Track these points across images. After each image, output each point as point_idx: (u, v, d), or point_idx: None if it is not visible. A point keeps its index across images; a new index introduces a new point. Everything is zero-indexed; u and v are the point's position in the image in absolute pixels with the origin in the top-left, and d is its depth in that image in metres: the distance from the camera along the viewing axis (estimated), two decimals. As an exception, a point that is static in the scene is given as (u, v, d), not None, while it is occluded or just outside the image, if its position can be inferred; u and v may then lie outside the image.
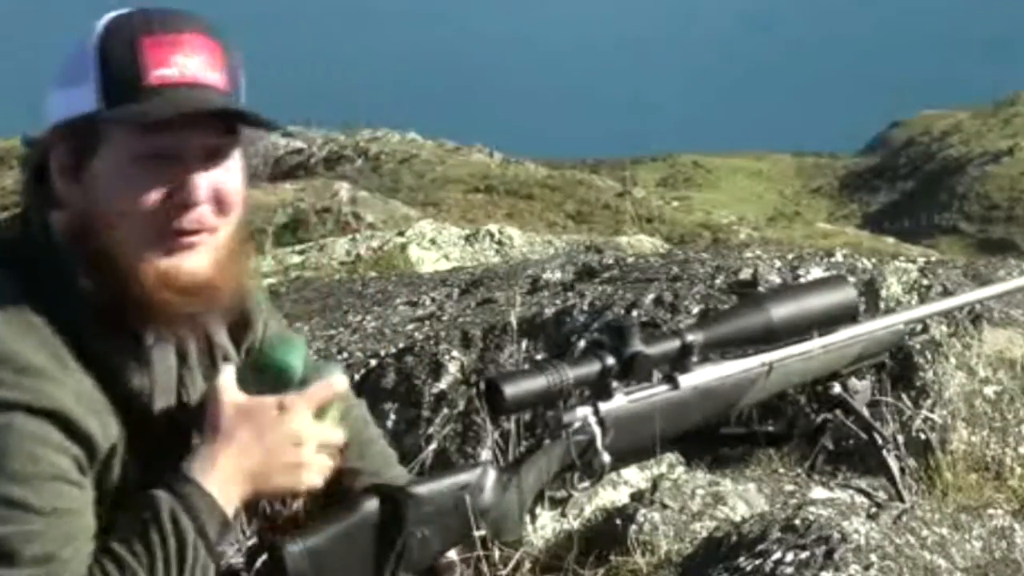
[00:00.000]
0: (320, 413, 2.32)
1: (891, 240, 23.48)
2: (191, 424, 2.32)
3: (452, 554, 2.56)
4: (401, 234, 7.35)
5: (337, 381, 2.33)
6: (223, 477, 2.19)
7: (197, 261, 2.18)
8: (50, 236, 2.17)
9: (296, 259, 7.06)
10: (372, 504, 2.43)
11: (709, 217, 24.15)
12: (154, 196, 2.13)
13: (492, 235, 7.22)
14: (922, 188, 41.88)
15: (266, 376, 2.30)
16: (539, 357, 3.66)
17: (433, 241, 7.15)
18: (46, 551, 2.00)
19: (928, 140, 46.12)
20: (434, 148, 26.27)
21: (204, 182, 2.15)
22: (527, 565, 2.67)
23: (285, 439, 2.24)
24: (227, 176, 2.19)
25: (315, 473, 2.27)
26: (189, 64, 2.14)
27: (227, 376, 2.27)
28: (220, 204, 2.19)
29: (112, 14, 2.14)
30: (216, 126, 2.16)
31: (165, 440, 2.26)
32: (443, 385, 3.68)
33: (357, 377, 3.81)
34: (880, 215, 39.88)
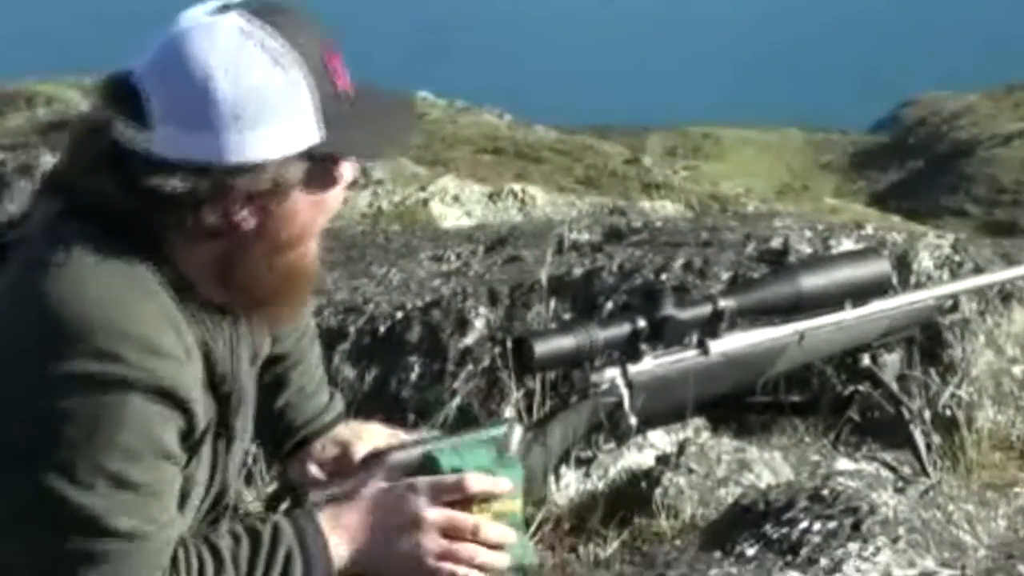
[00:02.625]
0: (467, 505, 2.31)
1: (897, 219, 23.45)
2: (242, 411, 2.34)
3: None
4: (423, 189, 7.33)
5: (474, 481, 2.28)
6: (343, 535, 2.19)
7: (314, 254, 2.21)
8: (166, 253, 2.13)
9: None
10: (396, 459, 2.42)
11: (717, 188, 24.13)
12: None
13: (515, 194, 7.20)
14: (931, 168, 41.81)
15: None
16: (566, 317, 3.65)
17: (456, 198, 7.13)
18: (135, 527, 2.00)
19: (939, 121, 46.02)
20: (445, 108, 26.24)
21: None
22: (550, 524, 2.65)
23: (403, 515, 2.21)
24: None
25: (431, 552, 2.26)
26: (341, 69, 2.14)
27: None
28: None
29: (235, 32, 2.03)
30: None
31: (235, 433, 2.29)
32: (469, 341, 3.67)
33: (383, 329, 3.80)
34: (888, 193, 39.83)
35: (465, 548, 2.26)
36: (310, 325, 2.67)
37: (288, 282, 2.17)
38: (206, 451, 2.20)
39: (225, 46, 2.02)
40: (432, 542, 2.24)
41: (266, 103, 2.02)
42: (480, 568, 2.28)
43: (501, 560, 2.31)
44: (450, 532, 2.26)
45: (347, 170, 2.15)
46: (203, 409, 2.09)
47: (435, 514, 2.25)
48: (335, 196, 2.15)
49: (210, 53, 2.01)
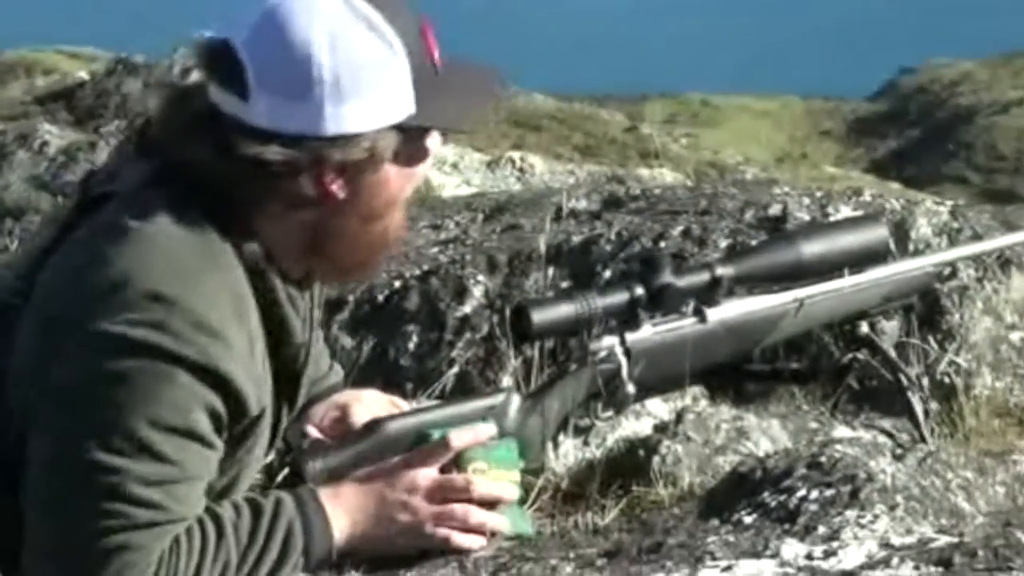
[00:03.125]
0: (458, 463, 2.32)
1: (896, 187, 23.41)
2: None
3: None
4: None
5: (456, 436, 2.34)
6: (344, 510, 2.23)
7: None
8: (252, 226, 2.13)
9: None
10: (393, 427, 2.43)
11: (716, 156, 24.08)
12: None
13: (514, 162, 7.19)
14: (930, 136, 41.74)
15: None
16: (564, 285, 3.65)
17: (454, 166, 7.12)
18: (159, 499, 2.01)
19: (938, 88, 45.92)
20: (443, 76, 26.11)
21: None
22: (548, 493, 2.65)
23: (397, 486, 2.26)
24: None
25: (426, 517, 2.27)
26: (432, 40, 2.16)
27: None
28: None
29: (336, 4, 2.05)
30: None
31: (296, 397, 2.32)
32: (467, 309, 3.67)
33: (381, 298, 3.80)
34: (887, 161, 39.77)
35: (459, 508, 2.28)
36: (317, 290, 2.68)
37: (374, 251, 2.23)
38: (265, 431, 2.20)
39: (327, 17, 2.03)
40: (426, 507, 2.26)
41: (365, 75, 2.04)
42: (475, 529, 2.30)
43: (496, 519, 2.32)
44: (444, 494, 2.28)
45: (434, 142, 2.19)
46: (256, 396, 2.10)
47: (427, 479, 2.27)
48: (423, 168, 2.21)
49: (311, 24, 2.02)
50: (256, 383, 2.10)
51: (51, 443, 2.02)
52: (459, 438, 2.34)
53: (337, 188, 2.09)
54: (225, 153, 2.05)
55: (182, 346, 1.98)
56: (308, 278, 2.24)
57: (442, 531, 2.28)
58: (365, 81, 2.04)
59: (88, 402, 1.99)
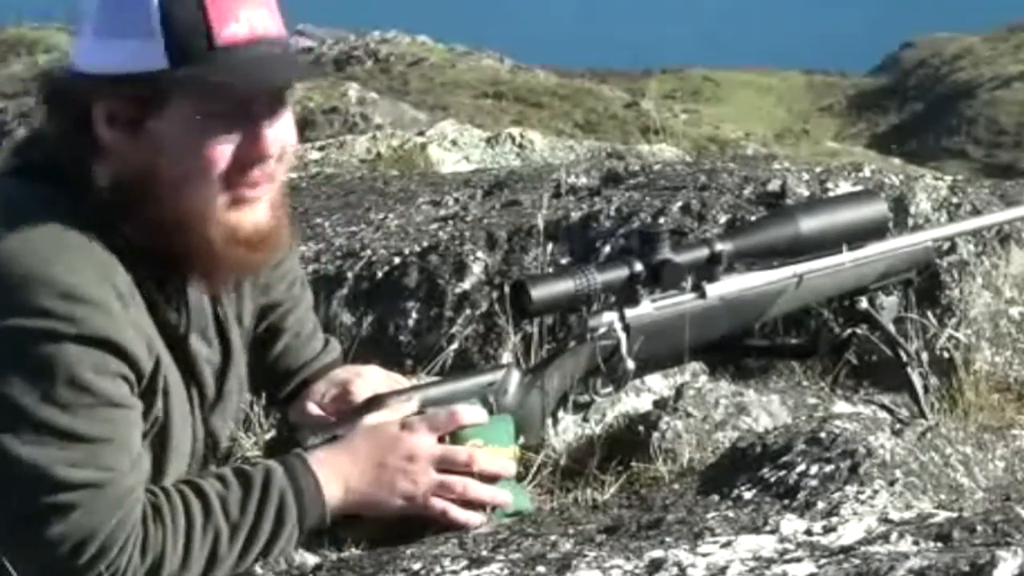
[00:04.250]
0: (454, 438, 2.32)
1: (898, 161, 23.39)
2: (230, 368, 2.34)
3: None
4: (421, 134, 7.31)
5: (465, 412, 2.35)
6: (335, 474, 2.23)
7: (260, 214, 2.17)
8: (91, 182, 2.12)
9: (316, 155, 7.02)
10: (394, 404, 2.43)
11: (717, 131, 24.05)
12: (225, 154, 2.10)
13: (513, 138, 7.18)
14: (931, 110, 41.65)
15: None
16: (564, 261, 3.64)
17: (454, 142, 7.11)
18: (93, 477, 2.01)
19: (939, 63, 45.80)
20: (444, 52, 26.13)
21: (273, 136, 2.14)
22: (548, 469, 2.66)
23: (398, 451, 2.27)
24: (288, 127, 2.18)
25: (425, 486, 2.27)
26: (254, 18, 2.10)
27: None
28: (281, 156, 2.17)
29: None
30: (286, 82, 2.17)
31: (207, 382, 2.28)
32: (467, 285, 3.67)
33: (380, 274, 3.80)
34: (888, 136, 39.69)
35: (459, 480, 2.28)
36: (299, 272, 2.68)
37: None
38: (178, 402, 2.19)
39: None
40: (426, 475, 2.27)
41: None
42: (474, 502, 2.30)
43: (495, 493, 2.33)
44: (444, 465, 2.29)
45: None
46: (145, 349, 2.08)
47: (429, 448, 2.28)
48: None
49: None
50: (141, 335, 2.08)
51: None
52: (468, 414, 2.35)
53: (115, 137, 2.12)
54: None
55: (58, 323, 1.97)
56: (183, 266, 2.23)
57: (440, 502, 2.29)
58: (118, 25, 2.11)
59: None
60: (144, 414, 2.11)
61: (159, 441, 2.16)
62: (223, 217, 2.13)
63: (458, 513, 2.29)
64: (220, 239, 2.13)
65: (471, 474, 2.32)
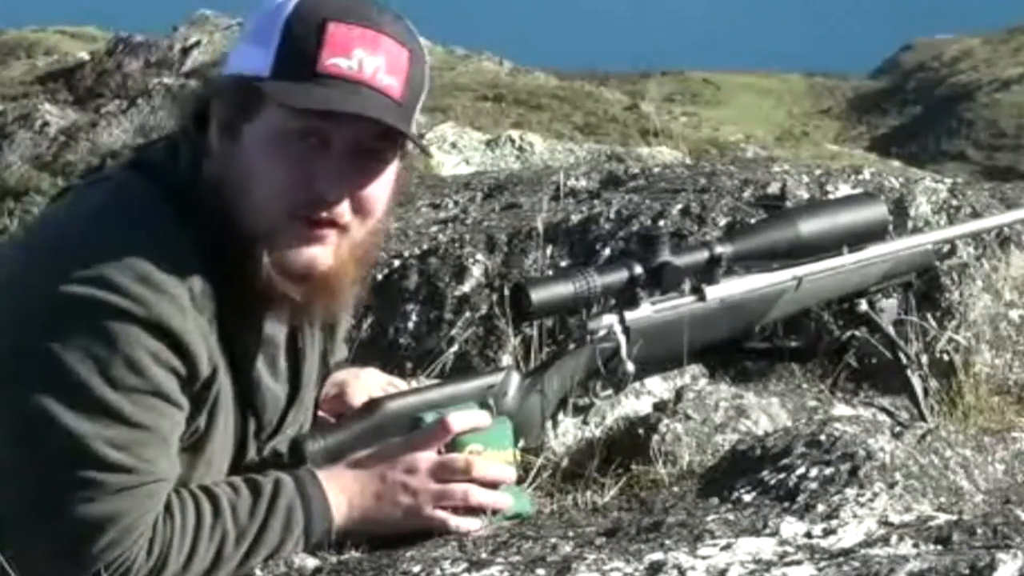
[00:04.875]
0: (453, 444, 2.33)
1: (897, 164, 23.39)
2: (296, 402, 2.35)
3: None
4: (421, 136, 7.32)
5: (455, 419, 2.34)
6: (342, 488, 2.24)
7: (321, 253, 2.14)
8: (199, 178, 2.13)
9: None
10: (392, 407, 2.43)
11: (717, 134, 24.06)
12: (293, 175, 2.10)
13: (513, 141, 7.18)
14: (931, 113, 41.68)
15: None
16: (563, 264, 3.64)
17: (454, 145, 7.11)
18: (129, 462, 2.01)
19: (939, 65, 45.82)
20: (444, 54, 26.12)
21: (345, 177, 2.12)
22: (548, 472, 2.66)
23: (397, 466, 2.28)
24: (374, 180, 2.15)
25: (426, 497, 2.28)
26: (367, 62, 2.09)
27: None
28: (359, 205, 2.15)
29: None
30: (375, 130, 2.11)
31: (266, 410, 2.29)
32: (466, 288, 3.67)
33: (380, 277, 3.79)
34: (888, 138, 39.71)
35: (459, 488, 2.29)
36: None
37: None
38: (223, 421, 2.19)
39: None
40: (426, 487, 2.27)
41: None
42: (476, 508, 2.30)
43: (496, 498, 2.33)
44: (444, 474, 2.29)
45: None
46: (207, 354, 2.09)
47: (427, 459, 2.28)
48: None
49: None
50: (205, 340, 2.09)
51: (13, 415, 2.01)
52: (458, 422, 2.35)
53: (218, 137, 2.16)
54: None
55: (127, 301, 1.98)
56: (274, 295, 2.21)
57: (441, 512, 2.29)
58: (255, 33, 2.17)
59: (43, 367, 1.99)
60: (188, 419, 2.12)
61: (191, 452, 2.16)
62: (280, 244, 2.12)
63: (459, 522, 2.30)
64: (271, 266, 2.12)
65: (471, 480, 2.32)
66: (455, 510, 2.30)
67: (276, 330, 2.27)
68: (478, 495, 2.32)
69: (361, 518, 2.25)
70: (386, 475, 2.27)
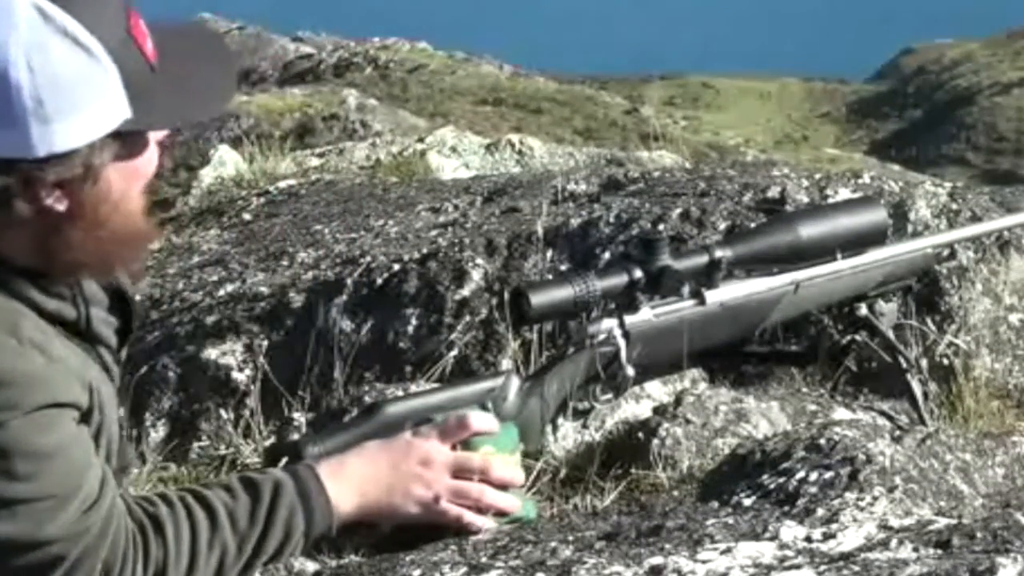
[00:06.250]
0: (466, 445, 2.34)
1: (897, 168, 23.41)
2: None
3: None
4: (421, 140, 7.32)
5: (476, 419, 2.36)
6: (348, 482, 2.23)
7: None
8: None
9: (315, 162, 7.02)
10: (393, 410, 2.43)
11: (716, 138, 24.09)
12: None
13: (513, 145, 7.19)
14: (931, 117, 41.74)
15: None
16: (563, 268, 3.64)
17: (453, 149, 7.12)
18: (70, 524, 1.97)
19: (938, 69, 45.88)
20: (444, 59, 26.17)
21: None
22: (548, 476, 2.66)
23: (412, 457, 2.28)
24: None
25: (441, 491, 2.28)
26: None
27: None
28: None
29: (33, 17, 1.89)
30: None
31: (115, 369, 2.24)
32: (466, 292, 3.66)
33: (380, 281, 3.79)
34: (887, 143, 39.76)
35: (474, 486, 2.29)
36: None
37: (118, 251, 2.08)
38: (108, 399, 2.15)
39: (21, 35, 1.89)
40: (441, 481, 2.28)
41: (68, 91, 1.91)
42: (487, 509, 2.31)
43: (508, 501, 2.34)
44: (459, 472, 2.30)
45: (160, 133, 2.07)
46: (80, 386, 2.02)
47: (444, 454, 2.28)
48: (148, 161, 2.07)
49: (6, 44, 1.88)
50: (74, 374, 2.02)
51: None
52: (479, 421, 2.36)
53: (54, 202, 1.97)
54: None
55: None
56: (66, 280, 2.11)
57: (455, 508, 2.30)
58: (70, 97, 1.91)
59: None
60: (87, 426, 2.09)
61: (99, 443, 2.13)
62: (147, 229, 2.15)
63: (473, 519, 2.30)
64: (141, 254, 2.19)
65: (484, 481, 2.33)
66: (468, 509, 2.31)
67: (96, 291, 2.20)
68: (493, 496, 2.32)
69: (372, 508, 2.25)
70: (400, 465, 2.27)
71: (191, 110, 2.14)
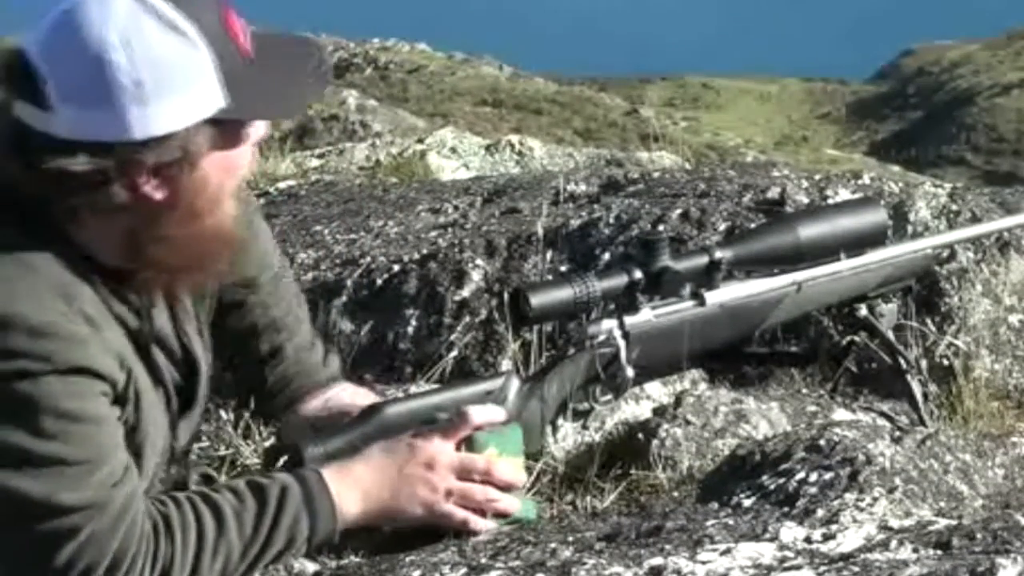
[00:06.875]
0: (470, 446, 2.34)
1: (897, 169, 23.41)
2: (198, 380, 2.33)
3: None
4: (421, 141, 7.32)
5: (476, 412, 2.36)
6: (353, 487, 2.24)
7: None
8: (70, 240, 2.07)
9: (315, 163, 7.02)
10: (393, 411, 2.43)
11: (716, 139, 24.10)
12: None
13: (512, 145, 7.18)
14: (930, 118, 41.75)
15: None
16: (563, 269, 3.64)
17: (453, 150, 7.12)
18: (92, 496, 2.00)
19: (938, 70, 45.90)
20: (443, 60, 26.19)
21: None
22: (547, 477, 2.66)
23: (416, 459, 2.28)
24: None
25: (446, 494, 2.28)
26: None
27: None
28: None
29: (128, 3, 1.97)
30: None
31: (171, 390, 2.26)
32: (466, 293, 3.66)
33: (379, 282, 3.79)
34: (887, 143, 39.76)
35: (479, 488, 2.30)
36: (293, 285, 2.67)
37: (204, 251, 2.13)
38: (148, 406, 2.17)
39: (120, 19, 1.95)
40: (446, 482, 2.28)
41: (166, 74, 1.96)
42: (491, 511, 2.31)
43: (513, 503, 2.34)
44: (464, 473, 2.30)
45: (255, 129, 2.11)
46: (119, 368, 2.06)
47: (448, 456, 2.28)
48: (244, 157, 2.12)
49: (105, 27, 1.95)
50: (111, 351, 2.05)
51: None
52: (478, 414, 2.35)
53: (152, 190, 2.02)
54: (33, 167, 1.98)
55: (31, 362, 1.95)
56: (146, 284, 2.16)
57: (460, 511, 2.30)
58: (167, 79, 1.97)
59: None
60: (120, 419, 2.11)
61: (133, 444, 2.15)
62: (234, 231, 2.19)
63: (478, 521, 2.31)
64: (229, 254, 2.21)
65: (488, 483, 2.33)
66: (473, 511, 2.31)
67: (162, 314, 2.26)
68: (496, 498, 2.33)
69: (377, 512, 2.25)
70: (403, 467, 2.27)
71: (285, 103, 2.19)
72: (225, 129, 2.05)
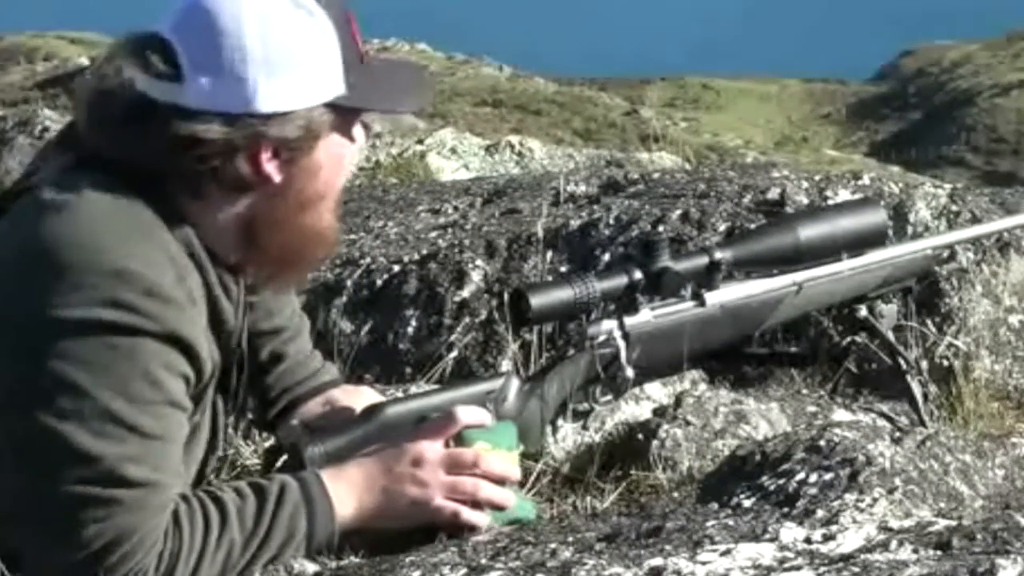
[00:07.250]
0: (460, 442, 2.34)
1: (897, 169, 23.40)
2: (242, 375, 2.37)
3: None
4: (421, 142, 7.32)
5: (463, 412, 2.36)
6: (347, 491, 2.24)
7: None
8: (183, 217, 2.13)
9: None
10: (393, 411, 2.43)
11: (716, 139, 24.09)
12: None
13: (512, 146, 7.19)
14: (930, 118, 41.71)
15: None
16: (563, 269, 3.64)
17: (453, 150, 7.12)
18: (148, 476, 2.02)
19: (938, 70, 45.85)
20: (444, 60, 26.19)
21: None
22: (547, 477, 2.66)
23: (404, 458, 2.28)
24: None
25: (436, 489, 2.29)
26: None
27: None
28: None
29: None
30: None
31: (232, 387, 2.32)
32: (466, 293, 3.67)
33: (379, 282, 3.80)
34: (887, 144, 39.73)
35: (469, 481, 2.30)
36: (295, 301, 2.70)
37: (307, 244, 2.22)
38: (209, 405, 2.21)
39: None
40: (435, 478, 2.28)
41: (296, 51, 2.07)
42: (483, 503, 2.31)
43: (503, 495, 2.34)
44: (452, 467, 2.30)
45: (360, 133, 2.22)
46: (209, 356, 2.11)
47: (435, 451, 2.29)
48: (351, 155, 2.23)
49: (240, 2, 2.05)
50: (205, 337, 2.12)
51: (27, 440, 2.00)
52: (465, 414, 2.36)
53: (273, 169, 2.11)
54: (161, 137, 2.05)
55: (139, 318, 1.98)
56: (240, 268, 2.23)
57: (451, 505, 2.30)
58: (297, 57, 2.07)
59: (61, 392, 1.98)
60: (189, 417, 2.14)
61: (187, 446, 2.18)
62: (333, 223, 2.31)
63: (470, 515, 2.30)
64: (331, 243, 2.36)
65: (479, 476, 2.33)
66: (464, 504, 2.31)
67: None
68: (488, 489, 2.32)
69: (372, 514, 2.26)
70: (393, 468, 2.28)
71: (397, 99, 2.28)
72: (341, 118, 2.15)
